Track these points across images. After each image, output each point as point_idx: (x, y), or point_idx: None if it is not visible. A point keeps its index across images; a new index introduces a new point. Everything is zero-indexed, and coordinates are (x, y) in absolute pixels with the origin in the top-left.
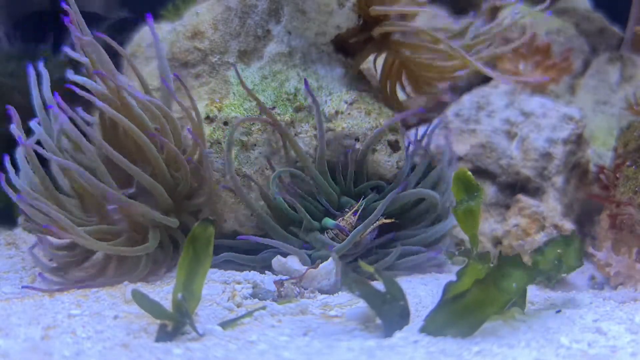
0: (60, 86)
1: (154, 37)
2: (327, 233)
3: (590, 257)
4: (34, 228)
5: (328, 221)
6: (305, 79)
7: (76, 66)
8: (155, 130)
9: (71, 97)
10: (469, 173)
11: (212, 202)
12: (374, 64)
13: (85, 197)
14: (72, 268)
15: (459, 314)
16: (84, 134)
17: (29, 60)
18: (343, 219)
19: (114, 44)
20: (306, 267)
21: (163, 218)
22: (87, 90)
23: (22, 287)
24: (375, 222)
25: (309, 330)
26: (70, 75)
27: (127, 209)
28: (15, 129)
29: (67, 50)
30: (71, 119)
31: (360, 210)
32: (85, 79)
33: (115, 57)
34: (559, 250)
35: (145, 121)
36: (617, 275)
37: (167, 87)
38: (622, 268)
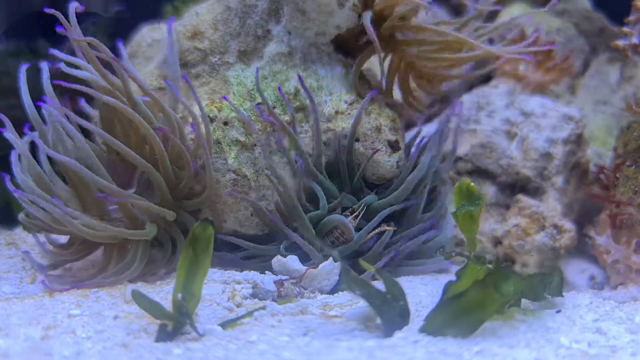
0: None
1: (170, 44)
2: (329, 235)
3: (590, 256)
4: (33, 225)
5: (335, 216)
6: (299, 76)
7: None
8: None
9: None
10: (472, 184)
11: (212, 202)
12: (380, 66)
13: (83, 197)
14: (70, 265)
15: (459, 314)
16: (84, 131)
17: (28, 60)
18: None
19: (104, 48)
20: (306, 267)
21: (160, 210)
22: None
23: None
24: (376, 229)
25: (309, 330)
26: (64, 68)
27: (126, 203)
28: (9, 133)
29: (55, 52)
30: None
31: (361, 214)
32: (87, 73)
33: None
34: (542, 280)
35: (151, 118)
36: (614, 263)
37: (173, 90)
38: (620, 257)
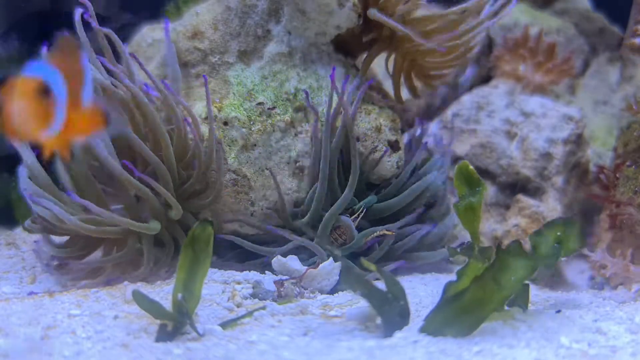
0: None
1: (167, 44)
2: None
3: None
4: (38, 227)
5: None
6: (306, 91)
7: None
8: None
9: None
10: (471, 167)
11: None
12: (386, 64)
13: (86, 193)
14: (72, 265)
15: (459, 313)
16: None
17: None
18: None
19: (120, 43)
20: (306, 267)
21: (170, 197)
22: None
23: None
24: (376, 233)
25: (309, 330)
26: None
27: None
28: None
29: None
30: None
31: (361, 215)
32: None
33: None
34: (558, 233)
35: (155, 116)
36: (613, 276)
37: (171, 91)
38: (617, 270)
